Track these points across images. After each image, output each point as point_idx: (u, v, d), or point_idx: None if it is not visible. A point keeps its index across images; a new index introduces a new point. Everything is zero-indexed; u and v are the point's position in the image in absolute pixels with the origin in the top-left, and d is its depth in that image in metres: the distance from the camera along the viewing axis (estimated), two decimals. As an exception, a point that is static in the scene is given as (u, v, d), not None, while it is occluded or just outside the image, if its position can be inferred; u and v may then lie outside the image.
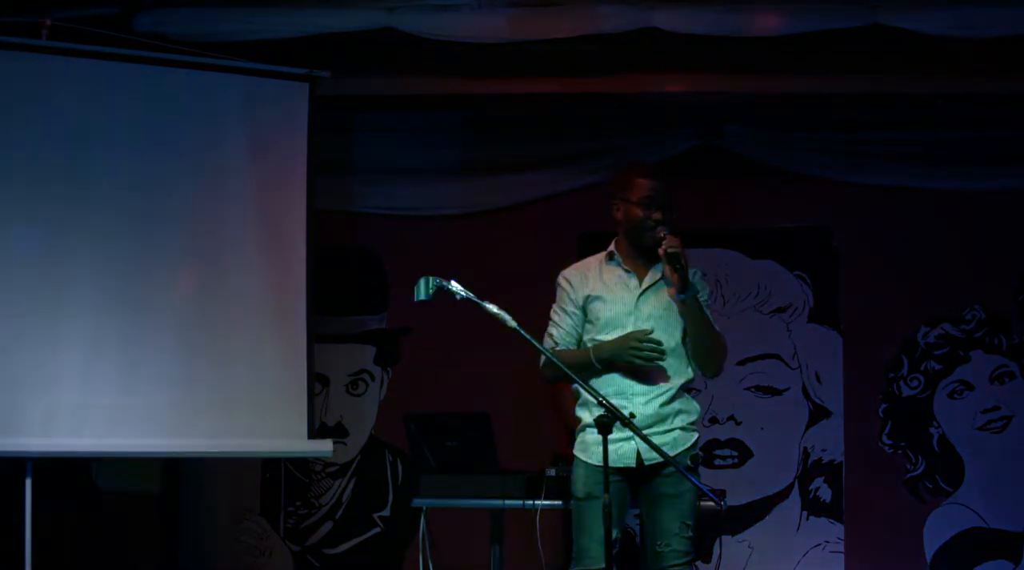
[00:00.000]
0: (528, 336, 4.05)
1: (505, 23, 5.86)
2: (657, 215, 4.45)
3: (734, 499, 6.41)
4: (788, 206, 6.99)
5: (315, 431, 5.88)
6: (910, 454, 6.86)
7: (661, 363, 4.43)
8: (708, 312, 4.52)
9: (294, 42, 5.88)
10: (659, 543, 4.42)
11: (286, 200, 5.74)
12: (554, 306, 4.61)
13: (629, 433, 4.28)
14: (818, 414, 6.91)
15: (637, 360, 4.39)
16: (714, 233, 6.92)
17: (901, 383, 6.90)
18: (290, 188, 5.75)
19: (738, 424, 6.92)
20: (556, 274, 4.64)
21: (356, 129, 7.02)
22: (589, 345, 4.54)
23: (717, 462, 6.88)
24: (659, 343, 4.41)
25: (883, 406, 6.90)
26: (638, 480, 4.47)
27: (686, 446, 4.49)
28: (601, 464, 4.12)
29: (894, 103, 6.69)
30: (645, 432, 4.23)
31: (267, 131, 5.73)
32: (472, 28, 5.86)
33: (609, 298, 4.50)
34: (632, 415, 4.29)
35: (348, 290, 7.05)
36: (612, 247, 4.59)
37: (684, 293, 4.40)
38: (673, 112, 6.85)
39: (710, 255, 6.84)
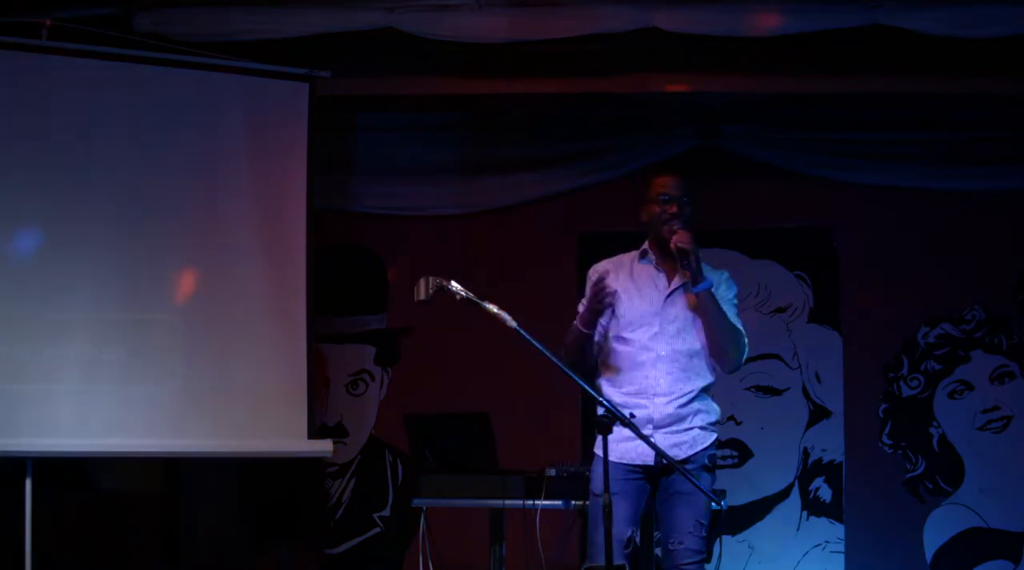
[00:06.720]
0: (528, 336, 4.05)
1: (505, 23, 5.86)
2: (672, 209, 4.48)
3: (734, 499, 6.41)
4: (788, 206, 6.99)
5: (315, 431, 5.87)
6: (910, 454, 6.85)
7: (681, 367, 4.47)
8: (732, 309, 4.60)
9: (294, 42, 5.88)
10: (672, 541, 4.43)
11: (286, 200, 5.74)
12: (583, 299, 4.60)
13: (649, 431, 4.36)
14: (818, 414, 6.91)
15: (592, 302, 4.41)
16: (714, 233, 6.89)
17: (901, 383, 6.90)
18: (290, 188, 5.75)
19: (738, 424, 6.91)
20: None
21: (356, 129, 7.02)
22: (612, 340, 4.56)
23: (717, 462, 6.87)
24: (607, 288, 4.41)
25: (883, 406, 6.89)
26: (657, 477, 4.49)
27: (705, 445, 4.55)
28: (617, 462, 4.29)
29: (894, 103, 6.68)
30: (665, 431, 4.39)
31: (267, 131, 5.73)
32: (472, 28, 5.86)
33: (637, 296, 4.53)
34: (632, 415, 4.30)
35: (348, 290, 7.04)
36: (646, 245, 4.61)
37: (696, 287, 4.43)
38: (673, 112, 6.85)
39: (710, 255, 6.77)
